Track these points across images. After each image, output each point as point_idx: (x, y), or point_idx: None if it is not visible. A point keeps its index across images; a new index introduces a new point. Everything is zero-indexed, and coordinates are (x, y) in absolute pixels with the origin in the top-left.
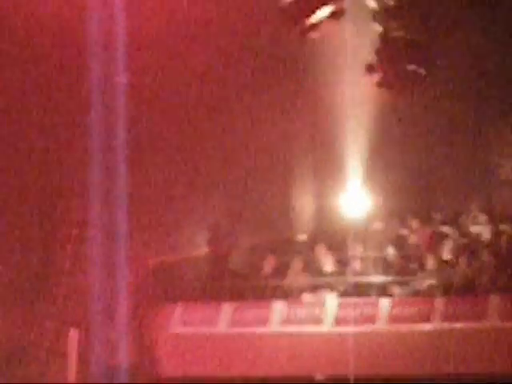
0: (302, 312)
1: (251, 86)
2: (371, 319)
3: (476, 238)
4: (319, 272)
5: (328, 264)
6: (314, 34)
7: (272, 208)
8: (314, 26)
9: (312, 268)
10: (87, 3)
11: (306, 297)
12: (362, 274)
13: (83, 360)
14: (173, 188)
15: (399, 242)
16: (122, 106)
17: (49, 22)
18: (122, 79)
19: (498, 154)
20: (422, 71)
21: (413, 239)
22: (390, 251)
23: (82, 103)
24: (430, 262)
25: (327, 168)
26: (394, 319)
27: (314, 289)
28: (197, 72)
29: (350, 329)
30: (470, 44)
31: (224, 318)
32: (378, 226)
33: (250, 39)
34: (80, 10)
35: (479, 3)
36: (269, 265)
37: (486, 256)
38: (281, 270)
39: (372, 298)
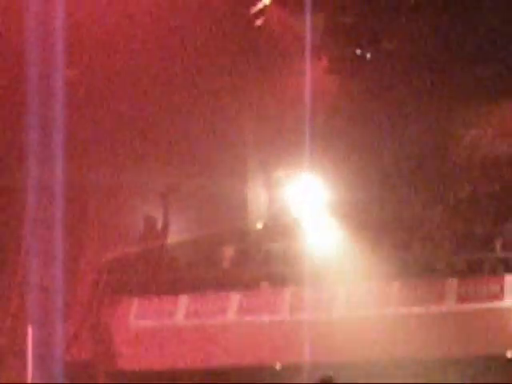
0: (258, 301)
1: (199, 77)
2: (328, 306)
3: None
4: (275, 261)
5: (283, 253)
6: (259, 21)
7: (228, 199)
8: (259, 13)
9: (268, 257)
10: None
11: (263, 286)
12: (320, 261)
13: (40, 357)
14: (123, 184)
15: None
16: (66, 100)
17: None
18: (70, 73)
19: (456, 138)
20: (369, 55)
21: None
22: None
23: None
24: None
25: (281, 158)
26: (352, 305)
27: (270, 278)
28: (140, 67)
29: (306, 317)
30: (420, 26)
31: (181, 310)
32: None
33: (196, 28)
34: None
35: None
36: (225, 255)
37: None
38: (237, 260)
39: (329, 286)
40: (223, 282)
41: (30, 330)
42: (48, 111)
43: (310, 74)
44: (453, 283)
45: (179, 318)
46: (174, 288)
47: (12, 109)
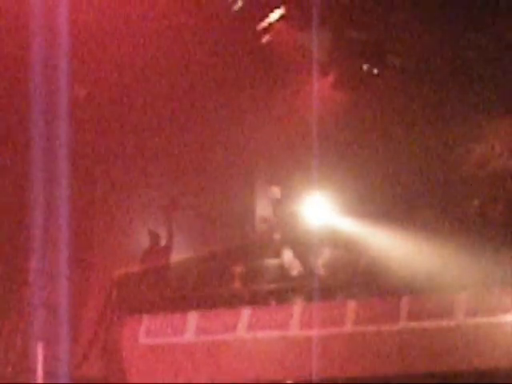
0: (268, 317)
1: (206, 91)
2: (338, 322)
3: None
4: (285, 276)
5: (294, 268)
6: (266, 38)
7: (235, 214)
8: (266, 29)
9: (277, 273)
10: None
11: (273, 302)
12: (328, 277)
13: (50, 375)
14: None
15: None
16: (72, 117)
17: None
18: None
19: (466, 152)
20: (376, 70)
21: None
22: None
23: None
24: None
25: (288, 173)
26: (360, 320)
27: (280, 293)
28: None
29: (317, 332)
30: (425, 41)
31: (190, 327)
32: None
33: (203, 43)
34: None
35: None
36: (234, 271)
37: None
38: (246, 276)
39: (339, 301)
40: (233, 298)
41: (39, 348)
42: (53, 128)
43: (318, 90)
44: (462, 298)
45: (189, 335)
46: (183, 305)
47: (17, 125)
